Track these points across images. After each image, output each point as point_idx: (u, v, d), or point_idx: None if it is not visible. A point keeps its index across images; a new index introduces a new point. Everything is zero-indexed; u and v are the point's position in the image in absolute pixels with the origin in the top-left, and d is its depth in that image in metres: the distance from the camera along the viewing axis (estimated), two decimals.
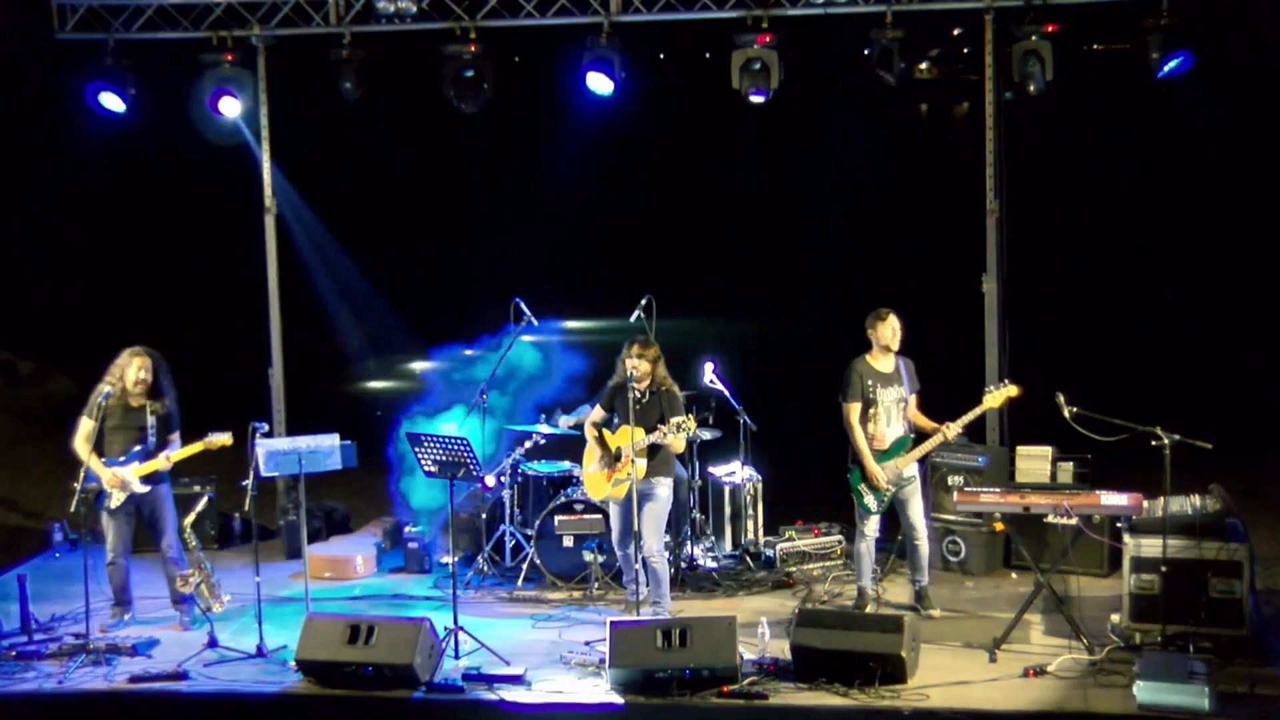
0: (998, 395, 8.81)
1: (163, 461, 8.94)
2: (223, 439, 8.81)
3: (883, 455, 8.88)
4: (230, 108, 10.92)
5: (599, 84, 10.64)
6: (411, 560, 10.41)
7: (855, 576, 9.26)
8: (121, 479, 8.89)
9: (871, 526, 8.99)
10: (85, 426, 8.94)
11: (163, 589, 9.43)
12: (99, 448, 8.96)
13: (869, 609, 8.95)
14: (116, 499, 8.93)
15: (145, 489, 8.97)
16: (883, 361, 8.96)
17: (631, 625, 8.06)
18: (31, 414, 15.84)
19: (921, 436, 8.94)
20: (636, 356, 8.69)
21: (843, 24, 10.64)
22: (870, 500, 8.91)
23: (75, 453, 8.91)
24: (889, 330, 8.90)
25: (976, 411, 8.80)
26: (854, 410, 8.88)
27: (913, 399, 9.01)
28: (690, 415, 8.56)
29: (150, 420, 8.96)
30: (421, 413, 10.59)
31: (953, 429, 8.76)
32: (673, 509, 9.15)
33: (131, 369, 8.92)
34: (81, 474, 8.72)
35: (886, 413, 8.91)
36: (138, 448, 8.96)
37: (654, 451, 8.71)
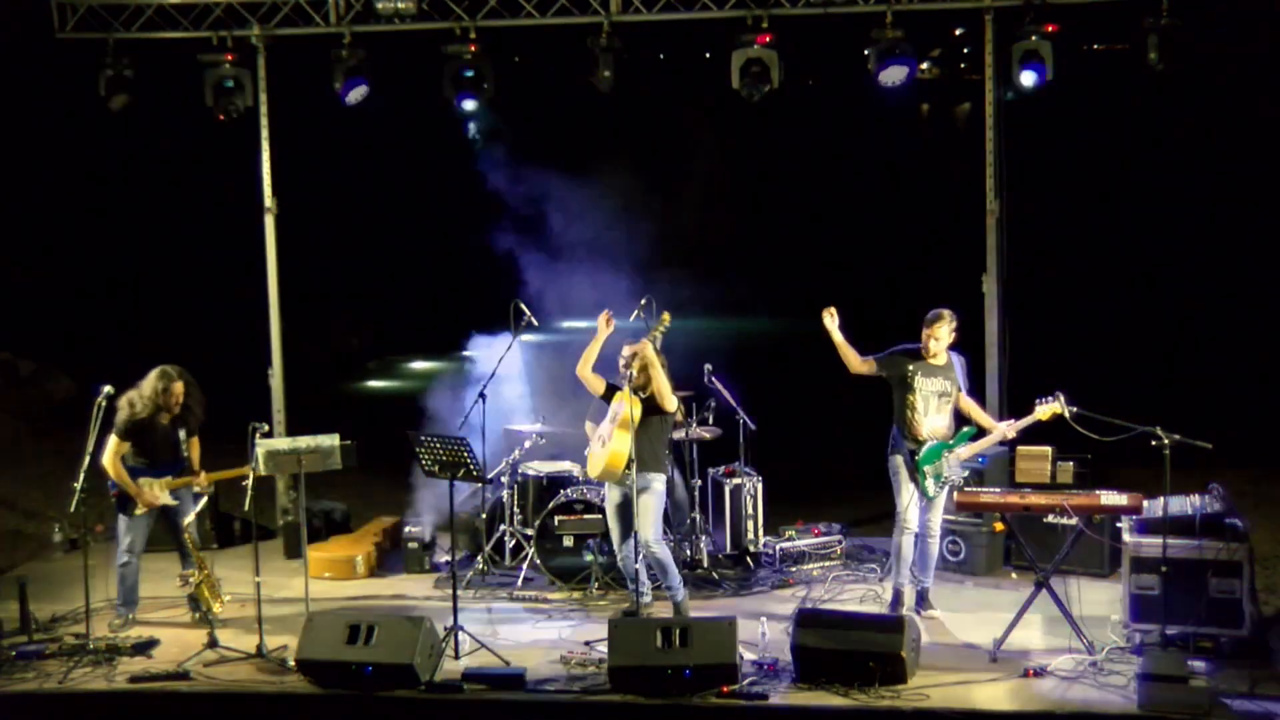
0: (1048, 409, 8.53)
1: (201, 481, 9.06)
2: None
3: (940, 445, 8.74)
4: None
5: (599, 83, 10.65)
6: (411, 560, 10.42)
7: (891, 574, 9.05)
8: (150, 498, 8.97)
9: (913, 520, 8.80)
10: (118, 446, 8.91)
11: (162, 589, 9.47)
12: (127, 459, 9.01)
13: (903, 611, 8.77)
14: (142, 509, 9.00)
15: (175, 503, 9.08)
16: (934, 355, 8.86)
17: (631, 624, 8.07)
18: (31, 414, 15.82)
19: (981, 432, 8.89)
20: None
21: (843, 24, 10.63)
22: (930, 484, 8.74)
23: (103, 469, 8.84)
24: (924, 336, 8.82)
25: (1030, 419, 8.64)
26: (865, 362, 8.77)
27: (963, 396, 8.91)
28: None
29: (181, 435, 9.09)
30: None
31: (1013, 429, 8.72)
32: (672, 508, 9.11)
33: (171, 393, 8.95)
34: (82, 474, 8.70)
35: (925, 402, 8.79)
36: (171, 462, 9.07)
37: (642, 446, 8.58)
